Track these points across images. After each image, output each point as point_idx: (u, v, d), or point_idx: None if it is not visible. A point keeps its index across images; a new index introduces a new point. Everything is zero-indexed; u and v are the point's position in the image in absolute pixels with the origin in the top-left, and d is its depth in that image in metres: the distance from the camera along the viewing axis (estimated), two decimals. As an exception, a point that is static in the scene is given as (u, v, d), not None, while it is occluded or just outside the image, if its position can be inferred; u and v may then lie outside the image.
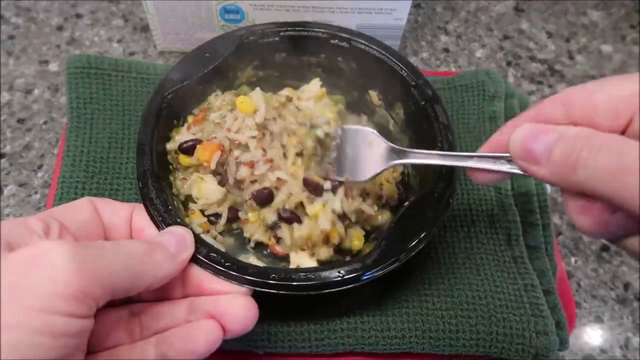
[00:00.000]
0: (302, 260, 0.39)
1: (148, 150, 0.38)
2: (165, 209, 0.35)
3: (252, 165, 0.39)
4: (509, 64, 0.61)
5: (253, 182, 0.40)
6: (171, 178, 0.41)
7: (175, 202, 0.39)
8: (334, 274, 0.33)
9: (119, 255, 0.27)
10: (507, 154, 0.29)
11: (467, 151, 0.47)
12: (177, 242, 0.32)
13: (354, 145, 0.38)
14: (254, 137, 0.40)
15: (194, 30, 0.55)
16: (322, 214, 0.38)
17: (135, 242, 0.29)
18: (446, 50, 0.62)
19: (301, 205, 0.39)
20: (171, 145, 0.41)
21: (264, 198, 0.39)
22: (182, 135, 0.42)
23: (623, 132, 0.26)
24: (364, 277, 0.33)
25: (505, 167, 0.30)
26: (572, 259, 0.48)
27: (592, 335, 0.44)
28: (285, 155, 0.40)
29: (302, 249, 0.39)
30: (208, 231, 0.40)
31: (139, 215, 0.34)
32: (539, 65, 0.61)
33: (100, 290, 0.25)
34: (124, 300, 0.33)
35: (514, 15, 0.66)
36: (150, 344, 0.30)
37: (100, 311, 0.26)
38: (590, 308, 0.46)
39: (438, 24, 0.64)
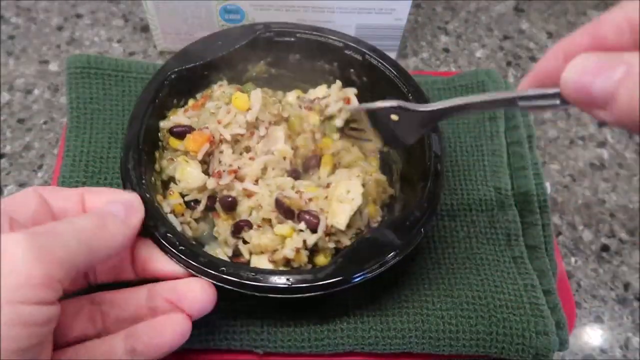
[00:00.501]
0: (261, 262, 0.38)
1: (138, 123, 0.38)
2: (138, 182, 0.35)
3: (219, 175, 0.39)
4: (509, 64, 0.61)
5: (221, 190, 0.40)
6: (157, 154, 0.41)
7: (153, 179, 0.39)
8: (282, 280, 0.33)
9: (72, 232, 0.27)
10: (557, 90, 0.23)
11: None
12: (125, 207, 0.32)
13: (384, 120, 0.36)
14: (241, 135, 0.40)
15: (194, 30, 0.55)
16: (290, 241, 0.37)
17: (85, 215, 0.30)
18: (446, 50, 0.62)
19: (269, 220, 0.38)
20: (164, 124, 0.41)
21: (227, 205, 0.39)
22: (177, 117, 0.42)
23: None
24: (310, 291, 0.33)
25: (558, 103, 0.24)
26: (572, 259, 0.48)
27: (592, 335, 0.44)
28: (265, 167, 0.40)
29: (262, 252, 0.38)
30: (182, 214, 0.40)
31: (92, 196, 0.34)
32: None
33: (62, 271, 0.25)
34: (82, 291, 0.33)
35: (514, 15, 0.66)
36: (118, 338, 0.31)
37: (61, 301, 0.26)
38: (590, 308, 0.46)
39: (438, 24, 0.64)
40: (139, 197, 0.34)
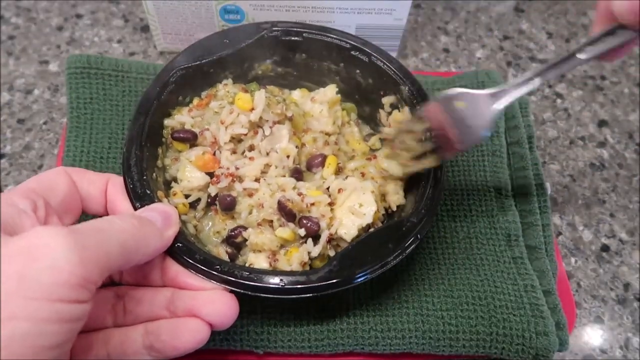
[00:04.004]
0: (258, 261, 0.38)
1: (142, 118, 0.38)
2: (140, 178, 0.36)
3: (217, 179, 0.39)
4: (509, 64, 0.61)
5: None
6: (160, 150, 0.41)
7: (155, 174, 0.39)
8: (276, 281, 0.33)
9: (114, 234, 0.27)
10: (615, 24, 0.32)
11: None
12: (162, 218, 0.32)
13: (452, 111, 0.36)
14: (244, 134, 0.40)
15: (194, 30, 0.55)
16: (296, 256, 0.37)
17: (126, 217, 0.30)
18: (446, 50, 0.62)
19: (270, 221, 0.38)
20: (169, 122, 0.41)
21: (226, 205, 0.39)
22: (182, 116, 0.42)
23: None
24: (303, 292, 0.33)
25: (620, 38, 0.32)
26: (572, 259, 0.48)
27: (592, 335, 0.44)
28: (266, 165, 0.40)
29: (260, 251, 0.38)
30: (186, 213, 0.40)
31: (113, 186, 0.35)
32: (539, 65, 0.61)
33: (99, 273, 0.26)
34: (108, 282, 0.34)
35: (514, 15, 0.66)
36: (137, 332, 0.31)
37: None
38: (590, 308, 0.46)
39: (438, 24, 0.64)
40: (177, 212, 0.34)
